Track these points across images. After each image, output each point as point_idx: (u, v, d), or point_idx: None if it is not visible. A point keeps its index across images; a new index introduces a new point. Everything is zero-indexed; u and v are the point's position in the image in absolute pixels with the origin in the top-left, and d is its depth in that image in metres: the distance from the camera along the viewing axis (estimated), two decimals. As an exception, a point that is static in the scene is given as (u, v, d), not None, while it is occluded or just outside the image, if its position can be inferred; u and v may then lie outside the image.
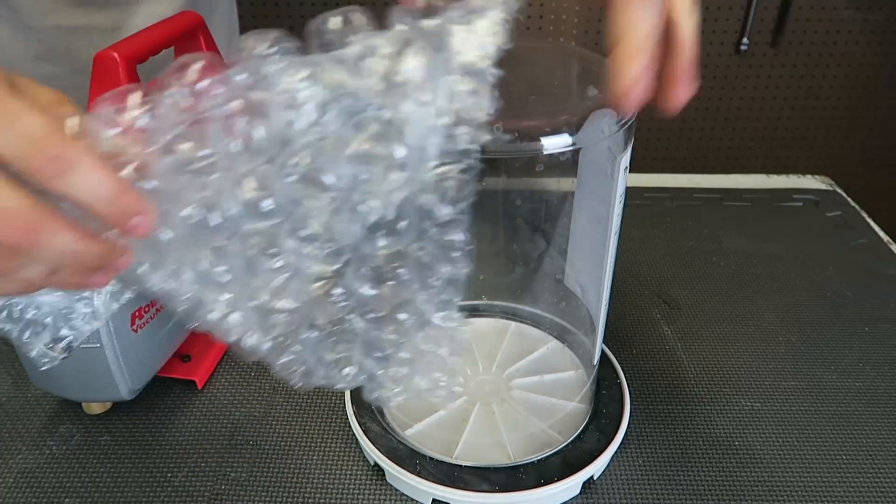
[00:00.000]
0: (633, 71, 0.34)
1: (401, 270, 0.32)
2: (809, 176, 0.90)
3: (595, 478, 0.50)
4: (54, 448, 0.52)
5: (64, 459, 0.51)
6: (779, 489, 0.50)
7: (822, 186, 0.88)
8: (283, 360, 0.35)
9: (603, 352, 0.58)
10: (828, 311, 0.67)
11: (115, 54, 0.50)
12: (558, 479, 0.47)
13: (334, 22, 0.30)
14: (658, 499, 0.49)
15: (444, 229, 0.32)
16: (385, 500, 0.49)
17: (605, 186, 0.43)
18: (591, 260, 0.48)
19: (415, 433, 0.50)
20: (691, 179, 0.89)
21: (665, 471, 0.51)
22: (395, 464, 0.48)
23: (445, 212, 0.31)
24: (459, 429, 0.51)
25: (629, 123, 0.40)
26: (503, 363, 0.57)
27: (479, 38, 0.30)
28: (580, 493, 0.49)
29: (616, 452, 0.50)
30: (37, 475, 0.50)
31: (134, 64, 0.52)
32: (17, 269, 0.30)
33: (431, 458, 0.48)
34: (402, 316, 0.33)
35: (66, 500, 0.48)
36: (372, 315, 0.33)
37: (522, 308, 0.62)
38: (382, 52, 0.29)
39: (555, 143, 0.38)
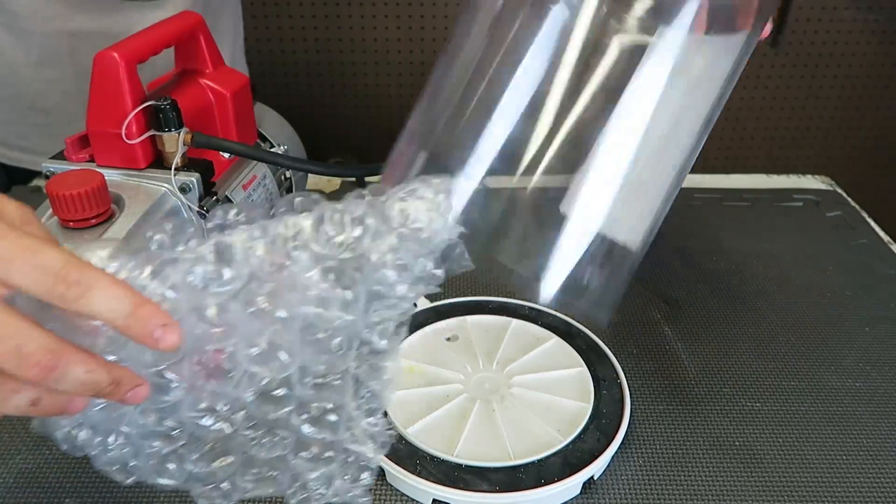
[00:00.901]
0: None
1: (337, 382, 0.37)
2: (809, 176, 0.90)
3: (595, 478, 0.50)
4: (54, 448, 0.51)
5: (64, 459, 0.51)
6: (779, 489, 0.50)
7: (822, 186, 0.88)
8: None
9: (603, 352, 0.58)
10: (828, 311, 0.67)
11: (116, 54, 0.50)
12: (558, 479, 0.47)
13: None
14: (658, 499, 0.49)
15: (379, 356, 0.37)
16: (385, 500, 0.49)
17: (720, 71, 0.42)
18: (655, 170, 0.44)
19: (415, 431, 0.50)
20: (691, 179, 0.89)
21: (665, 471, 0.51)
22: (395, 464, 0.48)
23: (382, 344, 0.36)
24: (459, 426, 0.51)
25: None
26: (503, 360, 0.57)
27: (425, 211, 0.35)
28: (580, 493, 0.49)
29: (616, 452, 0.50)
30: (37, 475, 0.49)
31: (134, 64, 0.52)
32: (8, 397, 0.31)
33: (431, 459, 0.48)
34: (333, 418, 0.37)
35: (66, 500, 0.48)
36: (306, 416, 0.37)
37: (523, 304, 0.62)
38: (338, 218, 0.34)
39: None
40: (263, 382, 0.35)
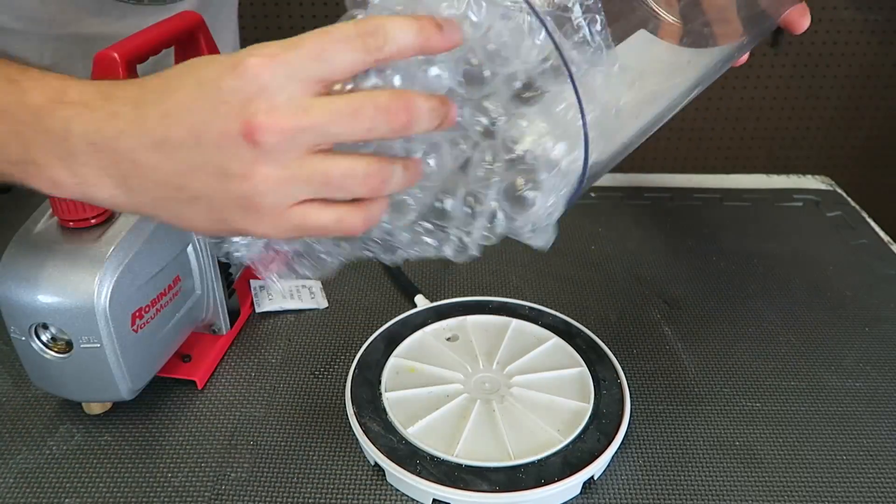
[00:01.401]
0: None
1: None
2: (809, 176, 0.90)
3: (595, 478, 0.50)
4: (54, 448, 0.52)
5: (64, 459, 0.51)
6: (779, 489, 0.50)
7: (822, 186, 0.88)
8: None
9: (603, 351, 0.58)
10: (828, 311, 0.67)
11: (116, 54, 0.50)
12: (558, 479, 0.47)
13: None
14: (658, 499, 0.49)
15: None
16: (385, 500, 0.49)
17: None
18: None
19: (415, 431, 0.50)
20: (691, 179, 0.89)
21: (665, 471, 0.51)
22: (396, 464, 0.48)
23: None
24: (460, 426, 0.51)
25: None
26: (503, 360, 0.57)
27: None
28: (580, 493, 0.49)
29: (616, 452, 0.50)
30: (37, 475, 0.50)
31: (134, 64, 0.52)
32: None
33: (432, 458, 0.48)
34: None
35: (66, 500, 0.48)
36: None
37: (523, 304, 0.62)
38: None
39: None
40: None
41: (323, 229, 0.36)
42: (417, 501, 0.48)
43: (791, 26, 0.48)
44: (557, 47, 0.35)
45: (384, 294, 0.68)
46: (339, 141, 0.34)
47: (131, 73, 0.51)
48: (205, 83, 0.34)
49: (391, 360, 0.57)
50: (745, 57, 0.50)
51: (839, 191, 0.87)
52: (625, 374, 0.56)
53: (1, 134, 0.37)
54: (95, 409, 0.54)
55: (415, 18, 0.34)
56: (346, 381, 0.55)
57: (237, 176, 0.34)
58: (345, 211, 0.36)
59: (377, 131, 0.34)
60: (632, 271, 0.72)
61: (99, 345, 0.47)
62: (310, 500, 0.48)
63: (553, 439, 0.50)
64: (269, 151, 0.33)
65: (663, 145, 1.70)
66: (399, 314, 0.61)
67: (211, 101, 0.33)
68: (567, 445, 0.50)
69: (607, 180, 0.87)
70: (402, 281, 0.68)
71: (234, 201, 0.35)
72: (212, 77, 0.33)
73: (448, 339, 0.60)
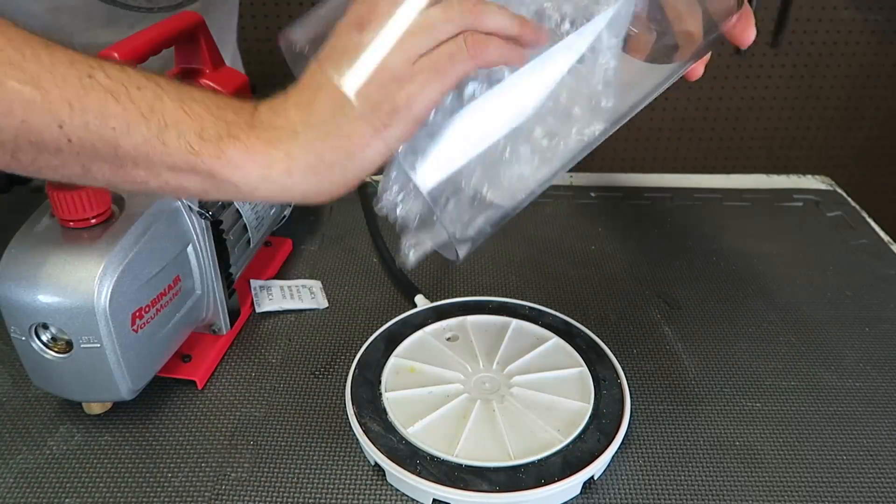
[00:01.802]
0: None
1: None
2: (809, 176, 0.90)
3: (595, 478, 0.50)
4: (54, 448, 0.52)
5: (64, 459, 0.51)
6: (779, 489, 0.50)
7: (822, 186, 0.88)
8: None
9: (603, 351, 0.58)
10: (828, 311, 0.67)
11: (116, 54, 0.50)
12: (558, 479, 0.47)
13: None
14: (658, 499, 0.49)
15: None
16: (385, 500, 0.49)
17: None
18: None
19: (415, 431, 0.50)
20: (691, 179, 0.89)
21: (665, 471, 0.51)
22: (396, 464, 0.48)
23: None
24: (460, 426, 0.51)
25: None
26: (504, 360, 0.57)
27: None
28: (580, 493, 0.49)
29: (616, 452, 0.50)
30: (37, 475, 0.50)
31: (134, 64, 0.51)
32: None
33: (432, 458, 0.48)
34: None
35: (66, 500, 0.48)
36: None
37: (523, 304, 0.62)
38: None
39: None
40: None
41: (491, 60, 0.40)
42: (417, 501, 0.48)
43: (736, 40, 0.47)
44: None
45: (384, 294, 0.68)
46: None
47: (131, 73, 0.51)
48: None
49: (391, 360, 0.57)
50: (701, 71, 0.49)
51: (839, 191, 0.87)
52: (625, 374, 0.56)
53: (203, 119, 0.39)
54: (95, 409, 0.54)
55: (510, 15, 0.40)
56: (346, 381, 0.55)
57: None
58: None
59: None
60: (632, 271, 0.72)
61: (99, 345, 0.47)
62: (310, 500, 0.48)
63: (553, 439, 0.50)
64: None
65: (663, 145, 1.70)
66: (399, 314, 0.61)
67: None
68: (567, 445, 0.50)
69: (607, 180, 0.87)
70: (402, 281, 0.68)
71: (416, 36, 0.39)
72: None
73: (448, 339, 0.60)
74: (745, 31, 0.47)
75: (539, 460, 0.48)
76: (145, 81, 0.38)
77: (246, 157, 0.39)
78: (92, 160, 0.38)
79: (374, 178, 0.43)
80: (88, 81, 0.37)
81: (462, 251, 0.43)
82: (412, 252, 0.45)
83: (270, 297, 0.65)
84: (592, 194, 0.84)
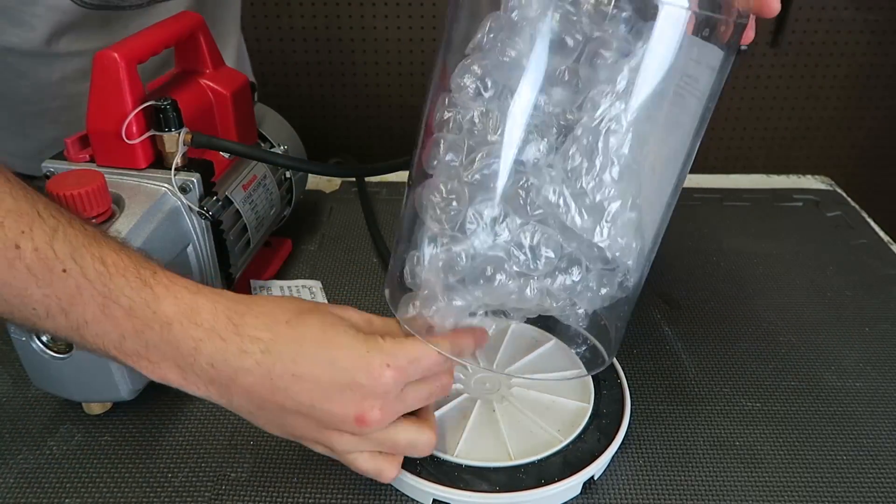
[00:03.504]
0: None
1: None
2: (809, 176, 0.90)
3: (595, 478, 0.50)
4: (54, 448, 0.52)
5: (64, 459, 0.51)
6: (779, 489, 0.50)
7: (822, 186, 0.88)
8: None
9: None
10: (828, 311, 0.67)
11: (116, 54, 0.50)
12: (559, 479, 0.47)
13: None
14: (658, 499, 0.49)
15: None
16: (385, 500, 0.49)
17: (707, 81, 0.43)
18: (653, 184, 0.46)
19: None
20: (691, 179, 0.89)
21: (665, 471, 0.51)
22: (396, 464, 0.48)
23: None
24: (460, 427, 0.51)
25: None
26: (503, 362, 0.57)
27: None
28: (580, 493, 0.49)
29: (616, 452, 0.50)
30: (37, 475, 0.50)
31: (134, 64, 0.52)
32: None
33: (432, 458, 0.48)
34: None
35: (66, 500, 0.48)
36: None
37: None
38: None
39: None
40: None
41: (365, 472, 0.44)
42: (417, 501, 0.48)
43: (762, 10, 0.44)
44: None
45: (384, 294, 0.68)
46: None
47: (132, 72, 0.51)
48: (338, 367, 0.40)
49: (391, 360, 0.56)
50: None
51: (839, 191, 0.87)
52: (625, 374, 0.56)
53: (122, 329, 0.39)
54: (95, 409, 0.54)
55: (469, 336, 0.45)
56: (346, 381, 0.55)
57: (331, 432, 0.42)
58: (387, 465, 0.44)
59: (433, 431, 0.45)
60: (632, 271, 0.72)
61: (99, 345, 0.47)
62: (310, 500, 0.48)
63: (553, 439, 0.50)
64: (367, 432, 0.42)
65: (663, 145, 1.70)
66: (399, 314, 0.61)
67: (339, 386, 0.40)
68: (567, 445, 0.50)
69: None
70: (402, 282, 0.68)
71: (315, 440, 0.43)
72: (347, 365, 0.40)
73: (448, 339, 0.60)
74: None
75: (539, 460, 0.48)
76: (71, 263, 0.38)
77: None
78: (13, 319, 0.39)
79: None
80: (14, 253, 0.37)
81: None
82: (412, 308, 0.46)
83: (270, 297, 0.65)
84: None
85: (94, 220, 0.48)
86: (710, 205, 0.84)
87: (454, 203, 0.42)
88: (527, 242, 0.42)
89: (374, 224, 0.76)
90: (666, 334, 0.64)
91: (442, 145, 0.43)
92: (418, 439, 0.44)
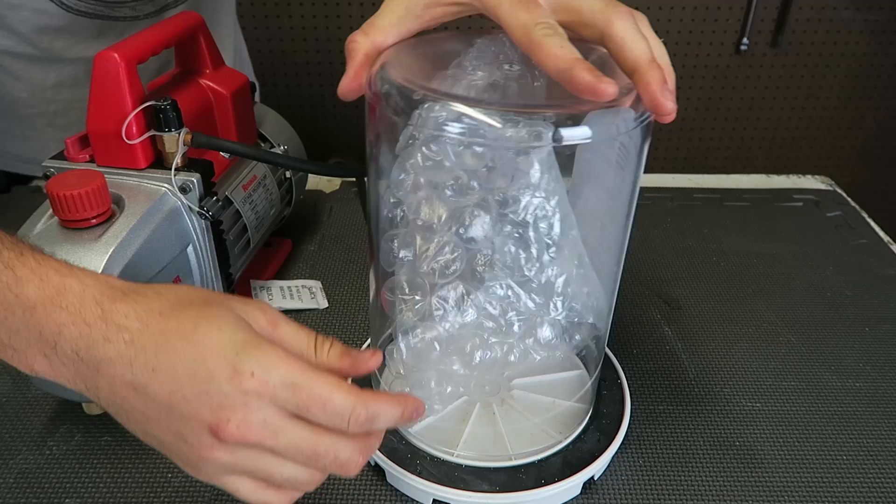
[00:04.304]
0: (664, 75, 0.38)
1: None
2: (809, 176, 0.90)
3: (595, 478, 0.50)
4: (54, 448, 0.52)
5: (64, 459, 0.51)
6: (779, 489, 0.50)
7: (822, 186, 0.88)
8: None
9: (603, 352, 0.58)
10: (828, 311, 0.67)
11: (116, 54, 0.50)
12: (559, 480, 0.47)
13: None
14: (658, 499, 0.49)
15: None
16: (385, 500, 0.49)
17: (619, 180, 0.45)
18: (600, 259, 0.48)
19: (415, 431, 0.50)
20: (691, 179, 0.89)
21: (665, 471, 0.51)
22: (396, 464, 0.48)
23: None
24: (460, 428, 0.51)
25: (648, 120, 0.40)
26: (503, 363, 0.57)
27: None
28: (580, 493, 0.49)
29: (616, 452, 0.50)
30: (37, 475, 0.50)
31: (134, 64, 0.52)
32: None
33: (432, 459, 0.48)
34: None
35: (66, 500, 0.48)
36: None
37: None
38: None
39: (574, 135, 0.38)
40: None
41: (245, 498, 0.38)
42: (417, 501, 0.48)
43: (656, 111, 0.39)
44: None
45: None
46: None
47: (132, 72, 0.51)
48: (201, 365, 0.35)
49: (391, 361, 0.56)
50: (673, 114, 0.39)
51: (839, 191, 0.87)
52: (625, 374, 0.56)
53: None
54: (95, 409, 0.54)
55: (398, 405, 0.38)
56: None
57: (191, 446, 0.36)
58: (269, 495, 0.38)
59: (323, 474, 0.38)
60: (632, 271, 0.72)
61: (99, 345, 0.47)
62: (310, 501, 0.48)
63: (553, 439, 0.50)
64: (227, 447, 0.36)
65: (663, 145, 1.70)
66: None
67: (198, 386, 0.35)
68: (567, 445, 0.50)
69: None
70: (402, 281, 0.68)
71: (179, 454, 0.37)
72: (210, 366, 0.35)
73: (448, 340, 0.60)
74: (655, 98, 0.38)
75: (539, 461, 0.48)
76: (8, 310, 0.36)
77: None
78: None
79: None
80: None
81: None
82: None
83: (270, 297, 0.65)
84: (592, 194, 0.84)
85: (93, 221, 0.48)
86: (710, 205, 0.84)
87: (417, 297, 0.43)
88: (496, 312, 0.43)
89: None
90: (666, 334, 0.64)
91: (395, 243, 0.44)
92: (296, 475, 0.37)
